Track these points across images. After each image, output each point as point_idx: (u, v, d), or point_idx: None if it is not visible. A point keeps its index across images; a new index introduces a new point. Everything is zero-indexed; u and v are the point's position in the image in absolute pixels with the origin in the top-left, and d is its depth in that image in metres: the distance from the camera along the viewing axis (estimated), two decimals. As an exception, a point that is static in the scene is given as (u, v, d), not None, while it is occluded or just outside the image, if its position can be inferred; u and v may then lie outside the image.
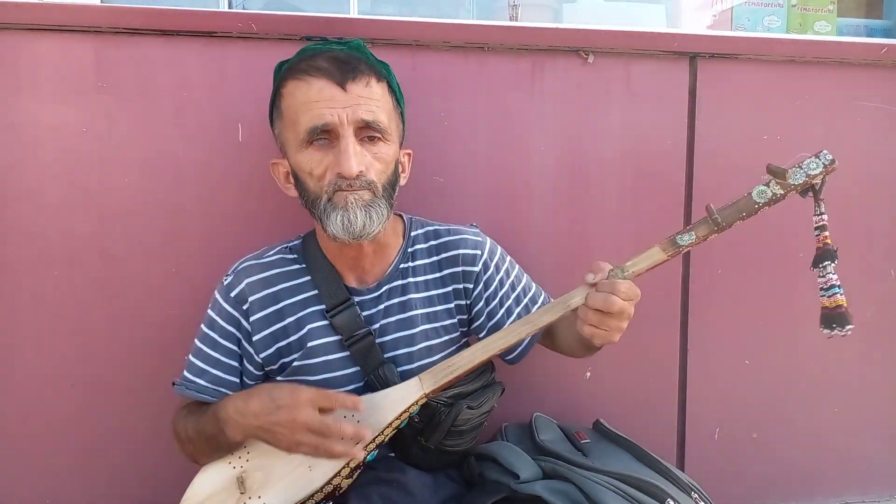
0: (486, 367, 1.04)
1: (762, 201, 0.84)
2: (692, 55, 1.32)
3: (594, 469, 0.97)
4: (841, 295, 0.84)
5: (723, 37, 1.34)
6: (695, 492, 0.97)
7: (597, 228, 1.33)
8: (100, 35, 1.14)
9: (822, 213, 0.85)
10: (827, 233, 0.85)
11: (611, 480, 0.94)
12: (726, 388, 1.41)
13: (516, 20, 1.57)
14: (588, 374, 1.35)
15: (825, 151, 0.84)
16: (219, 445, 0.91)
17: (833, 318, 0.84)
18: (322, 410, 0.85)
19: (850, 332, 0.83)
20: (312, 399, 0.84)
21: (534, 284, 1.11)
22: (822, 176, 0.83)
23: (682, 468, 1.40)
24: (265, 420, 0.84)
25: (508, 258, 1.09)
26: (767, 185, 0.85)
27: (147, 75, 1.16)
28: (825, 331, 0.85)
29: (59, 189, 1.15)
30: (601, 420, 1.19)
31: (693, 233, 0.85)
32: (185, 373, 0.98)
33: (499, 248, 1.08)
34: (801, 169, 0.84)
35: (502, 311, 1.05)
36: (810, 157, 0.84)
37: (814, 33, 1.57)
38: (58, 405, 1.19)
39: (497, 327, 1.04)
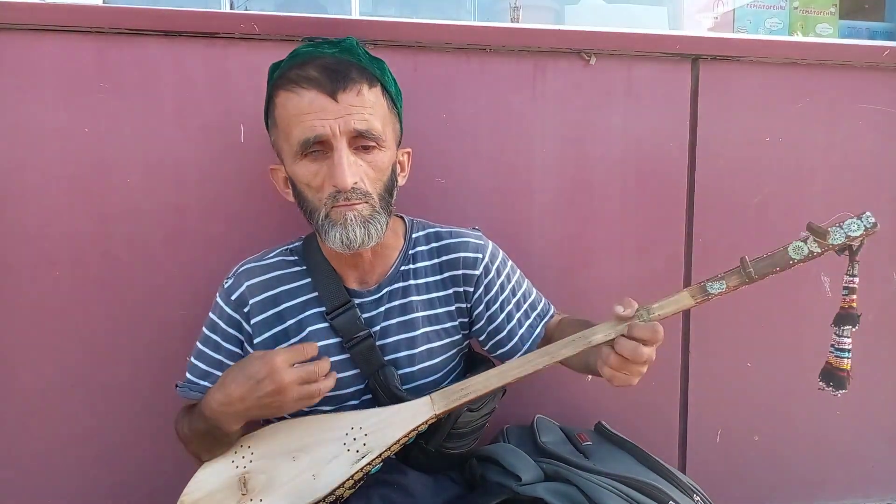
0: (488, 368, 1.04)
1: (798, 258, 0.83)
2: (694, 57, 1.32)
3: (596, 471, 0.98)
4: (848, 360, 0.85)
5: (725, 39, 1.34)
6: (696, 494, 0.97)
7: (599, 230, 1.33)
8: (102, 36, 1.14)
9: (854, 276, 0.84)
10: (855, 297, 0.84)
11: (612, 482, 0.94)
12: (728, 391, 1.41)
13: (518, 22, 1.57)
14: (589, 376, 1.35)
15: (868, 213, 0.83)
16: (217, 440, 0.90)
17: (833, 377, 0.86)
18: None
19: (840, 395, 0.85)
20: (286, 359, 0.83)
21: (534, 290, 1.10)
22: (861, 238, 0.82)
23: (683, 470, 1.40)
24: (253, 400, 0.83)
25: (510, 262, 1.08)
26: (805, 241, 0.83)
27: (149, 76, 1.16)
28: (821, 383, 0.87)
29: (61, 190, 1.15)
30: (603, 422, 1.19)
31: (724, 282, 0.84)
32: (188, 375, 0.98)
33: (500, 251, 1.07)
34: (842, 229, 0.82)
35: (503, 315, 1.04)
36: (852, 218, 0.83)
37: (815, 35, 1.56)
38: (59, 406, 1.19)
39: (497, 331, 1.04)
